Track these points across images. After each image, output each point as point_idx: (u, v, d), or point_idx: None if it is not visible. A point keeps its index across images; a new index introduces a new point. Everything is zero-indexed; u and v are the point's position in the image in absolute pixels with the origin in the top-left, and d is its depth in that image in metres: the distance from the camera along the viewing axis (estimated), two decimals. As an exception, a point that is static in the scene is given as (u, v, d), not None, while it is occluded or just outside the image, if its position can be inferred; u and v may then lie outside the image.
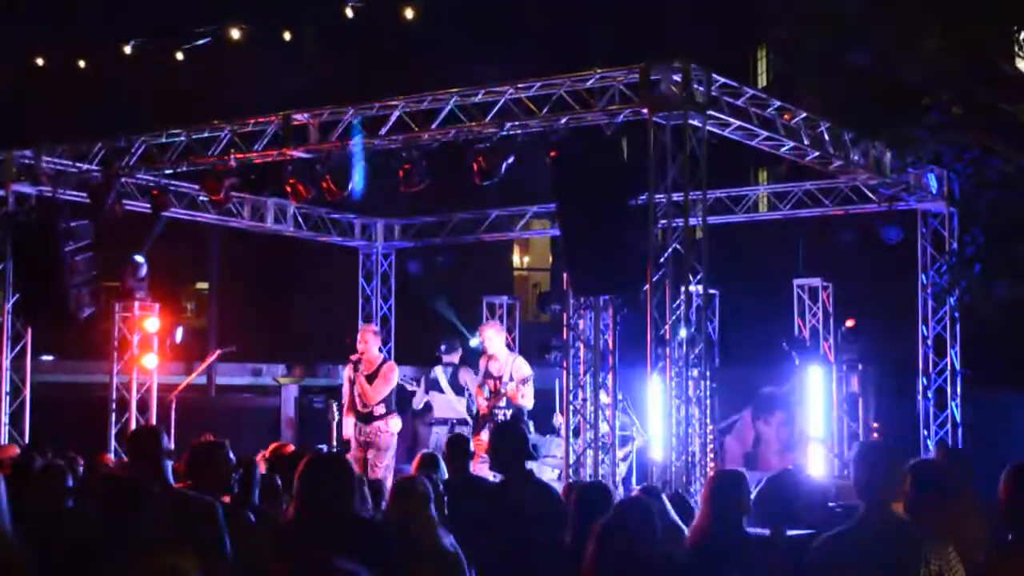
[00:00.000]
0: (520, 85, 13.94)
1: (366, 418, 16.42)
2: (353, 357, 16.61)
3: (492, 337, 16.59)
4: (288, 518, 7.30)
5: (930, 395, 18.09)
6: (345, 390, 16.85)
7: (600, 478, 13.75)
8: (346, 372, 16.86)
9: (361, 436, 16.39)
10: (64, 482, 8.38)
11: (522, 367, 16.19)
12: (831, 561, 6.14)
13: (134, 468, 8.47)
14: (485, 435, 15.60)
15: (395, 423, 16.49)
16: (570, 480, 13.82)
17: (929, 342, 18.13)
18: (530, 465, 15.38)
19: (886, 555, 6.00)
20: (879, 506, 6.16)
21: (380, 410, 16.39)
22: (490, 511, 9.20)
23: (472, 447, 11.91)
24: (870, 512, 6.18)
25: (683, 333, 12.94)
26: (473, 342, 17.60)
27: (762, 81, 29.78)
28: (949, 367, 18.02)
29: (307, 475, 7.16)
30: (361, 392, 16.39)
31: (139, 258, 17.83)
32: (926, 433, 17.97)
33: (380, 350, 17.37)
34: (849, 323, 18.09)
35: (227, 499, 8.41)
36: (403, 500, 7.91)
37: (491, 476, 11.02)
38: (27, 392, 17.52)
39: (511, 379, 16.04)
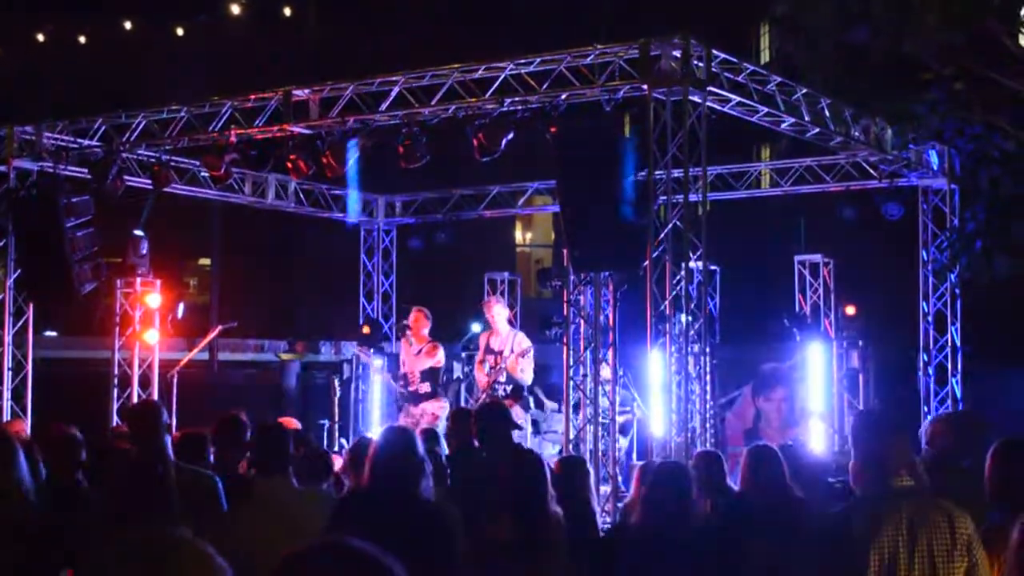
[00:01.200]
0: (520, 61, 13.93)
1: (412, 398, 16.50)
2: (405, 321, 16.74)
3: (500, 312, 16.60)
4: (351, 491, 7.34)
5: (931, 371, 18.12)
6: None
7: (600, 454, 13.79)
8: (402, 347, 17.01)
9: (408, 417, 16.41)
10: (79, 454, 8.44)
11: (523, 343, 16.21)
12: (866, 535, 5.98)
13: (134, 442, 8.54)
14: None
15: (440, 406, 16.57)
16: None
17: (930, 318, 18.15)
18: (532, 441, 15.53)
19: (927, 523, 5.92)
20: (892, 476, 6.06)
21: (425, 389, 16.47)
22: (487, 481, 9.31)
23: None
24: (884, 483, 6.06)
25: (683, 311, 12.96)
26: (475, 328, 17.55)
27: (764, 57, 29.75)
28: (949, 343, 18.03)
29: (376, 449, 7.19)
30: (406, 360, 16.58)
31: (139, 232, 17.84)
32: (927, 409, 17.99)
33: (428, 333, 17.34)
34: (850, 310, 18.08)
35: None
36: None
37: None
38: (29, 368, 17.54)
39: (512, 353, 16.06)
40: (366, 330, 19.57)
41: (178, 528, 3.43)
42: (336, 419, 18.30)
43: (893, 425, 6.32)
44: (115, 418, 17.45)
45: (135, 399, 17.53)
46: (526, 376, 16.04)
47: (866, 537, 5.92)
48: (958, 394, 17.97)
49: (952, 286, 18.01)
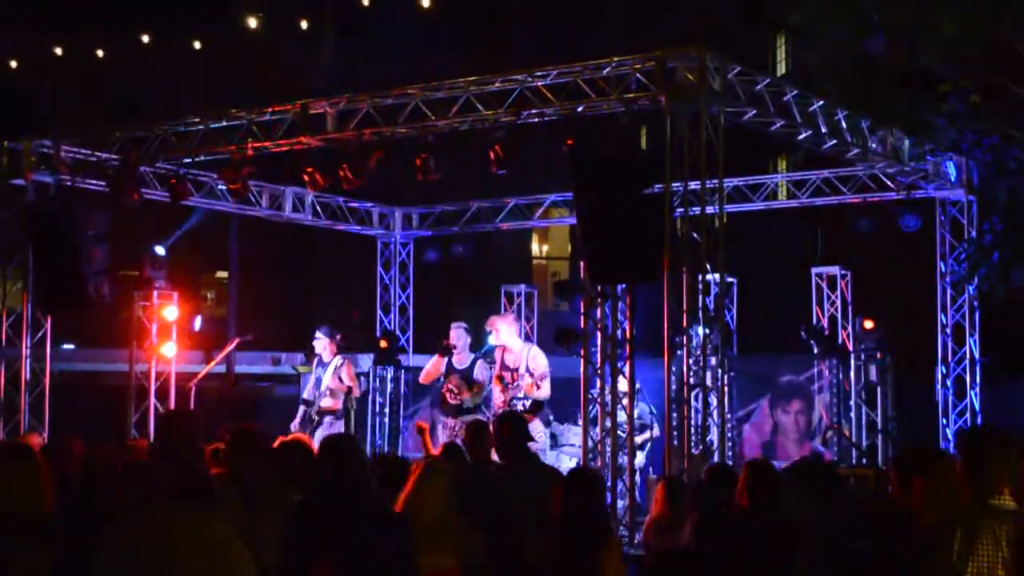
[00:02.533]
0: (536, 73, 13.94)
1: (457, 411, 16.40)
2: (446, 342, 16.55)
3: (502, 329, 16.40)
4: (303, 500, 7.33)
5: (949, 384, 18.04)
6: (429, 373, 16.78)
7: (617, 467, 13.76)
8: (435, 364, 16.73)
9: (445, 429, 16.29)
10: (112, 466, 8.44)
11: (538, 359, 16.03)
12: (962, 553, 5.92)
13: (164, 451, 8.56)
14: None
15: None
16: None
17: (948, 330, 18.07)
18: (550, 454, 15.47)
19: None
20: (992, 495, 5.96)
21: (470, 403, 16.41)
22: (500, 491, 9.32)
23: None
24: (982, 501, 5.97)
25: (700, 322, 12.93)
26: (492, 340, 17.46)
27: (781, 69, 29.72)
28: (968, 355, 17.96)
29: (320, 457, 7.20)
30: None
31: (160, 250, 17.92)
32: (944, 422, 17.93)
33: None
34: (868, 324, 18.00)
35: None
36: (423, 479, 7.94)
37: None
38: (47, 380, 17.58)
39: (528, 371, 15.93)
40: (383, 343, 19.56)
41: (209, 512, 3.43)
42: (353, 431, 18.28)
43: (999, 444, 6.18)
44: (133, 431, 17.48)
45: (152, 412, 17.57)
46: (543, 393, 15.89)
47: (962, 554, 5.84)
48: (976, 406, 17.90)
49: (970, 298, 17.94)
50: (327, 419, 16.90)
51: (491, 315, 16.82)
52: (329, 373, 17.08)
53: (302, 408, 17.42)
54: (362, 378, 18.29)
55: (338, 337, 17.36)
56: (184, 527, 3.13)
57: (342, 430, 16.42)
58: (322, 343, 17.24)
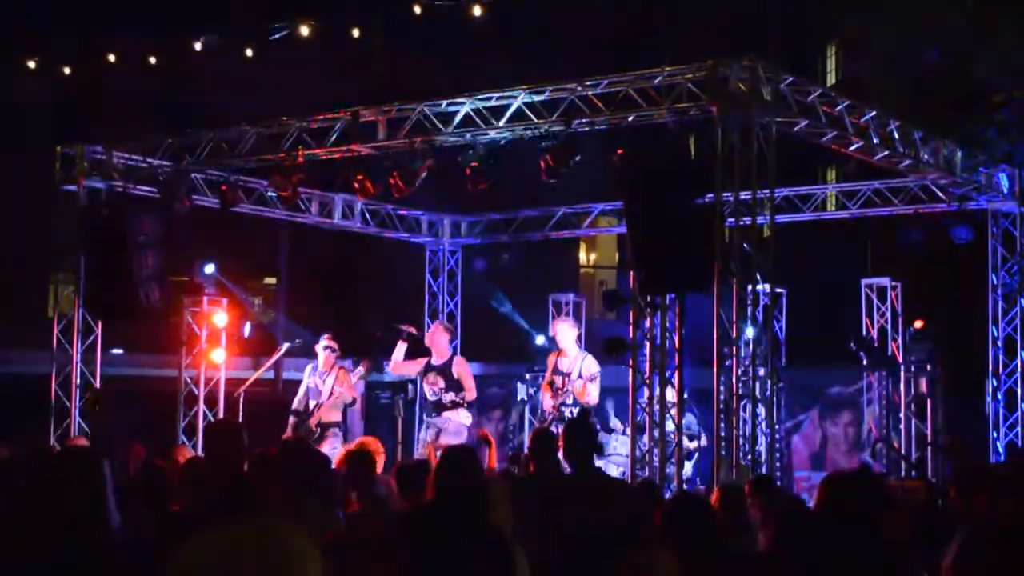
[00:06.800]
0: (587, 82, 13.93)
1: (436, 408, 16.40)
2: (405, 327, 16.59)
3: (565, 332, 16.47)
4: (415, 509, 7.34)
5: (1000, 396, 17.91)
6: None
7: (665, 477, 13.72)
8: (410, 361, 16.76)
9: (435, 430, 16.34)
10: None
11: (592, 367, 16.08)
12: None
13: (211, 461, 8.62)
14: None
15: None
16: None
17: (999, 343, 17.95)
18: (597, 463, 15.44)
19: None
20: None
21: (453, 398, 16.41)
22: (561, 499, 9.31)
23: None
24: None
25: (750, 332, 12.89)
26: (539, 340, 17.43)
27: (831, 79, 29.59)
28: (1020, 368, 17.83)
29: (442, 465, 7.14)
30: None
31: (210, 268, 18.04)
32: (995, 435, 17.80)
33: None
34: (918, 323, 17.91)
35: None
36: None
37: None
38: (98, 385, 17.66)
39: (580, 376, 15.96)
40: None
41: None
42: (400, 439, 18.27)
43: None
44: (181, 436, 17.56)
45: (201, 418, 17.64)
46: (592, 399, 15.93)
47: None
48: (1027, 420, 17.79)
49: (1022, 310, 17.82)
50: (332, 431, 16.57)
51: (542, 323, 16.86)
52: (330, 383, 16.81)
53: (292, 419, 16.84)
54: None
55: (336, 346, 17.13)
56: (254, 541, 3.09)
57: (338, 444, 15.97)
58: (325, 346, 17.05)
